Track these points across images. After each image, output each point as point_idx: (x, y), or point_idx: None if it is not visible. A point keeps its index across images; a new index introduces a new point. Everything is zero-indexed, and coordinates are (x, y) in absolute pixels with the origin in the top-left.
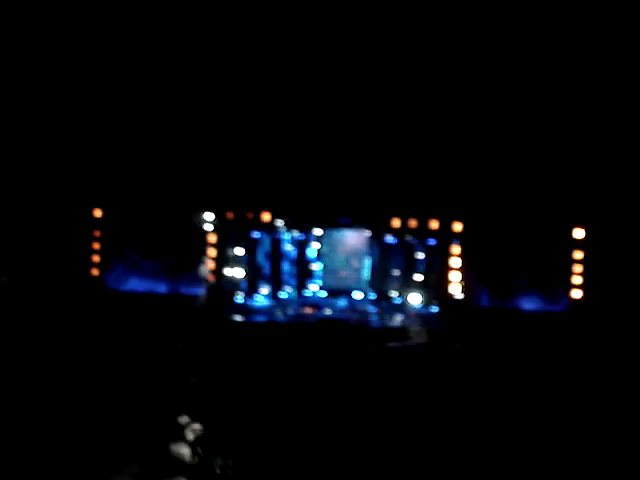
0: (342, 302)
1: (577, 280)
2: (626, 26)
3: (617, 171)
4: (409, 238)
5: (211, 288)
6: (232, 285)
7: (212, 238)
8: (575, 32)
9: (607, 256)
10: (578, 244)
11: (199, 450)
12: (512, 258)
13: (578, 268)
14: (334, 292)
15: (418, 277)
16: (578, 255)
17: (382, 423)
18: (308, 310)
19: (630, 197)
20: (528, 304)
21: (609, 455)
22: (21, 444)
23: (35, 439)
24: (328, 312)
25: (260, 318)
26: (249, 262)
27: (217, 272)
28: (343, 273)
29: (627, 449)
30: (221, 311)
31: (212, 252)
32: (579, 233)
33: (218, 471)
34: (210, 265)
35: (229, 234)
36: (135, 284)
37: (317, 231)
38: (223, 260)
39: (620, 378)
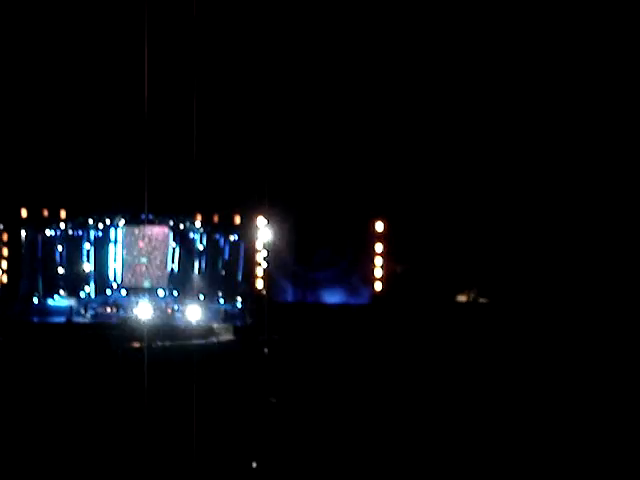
0: (144, 300)
1: (378, 273)
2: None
3: (416, 166)
4: (213, 234)
5: (4, 289)
6: (28, 286)
7: (4, 237)
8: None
9: (407, 249)
10: (378, 237)
11: None
12: (316, 253)
13: (379, 261)
14: (135, 290)
15: (222, 273)
16: (379, 248)
17: (189, 421)
18: (108, 310)
19: (428, 190)
20: (332, 298)
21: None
22: None
23: None
24: (129, 311)
25: (58, 319)
26: (45, 262)
27: (10, 272)
28: (145, 271)
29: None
30: (16, 312)
31: (4, 251)
32: (379, 227)
33: None
34: (2, 266)
35: (23, 233)
36: None
37: (118, 228)
38: (17, 260)
39: (421, 365)
